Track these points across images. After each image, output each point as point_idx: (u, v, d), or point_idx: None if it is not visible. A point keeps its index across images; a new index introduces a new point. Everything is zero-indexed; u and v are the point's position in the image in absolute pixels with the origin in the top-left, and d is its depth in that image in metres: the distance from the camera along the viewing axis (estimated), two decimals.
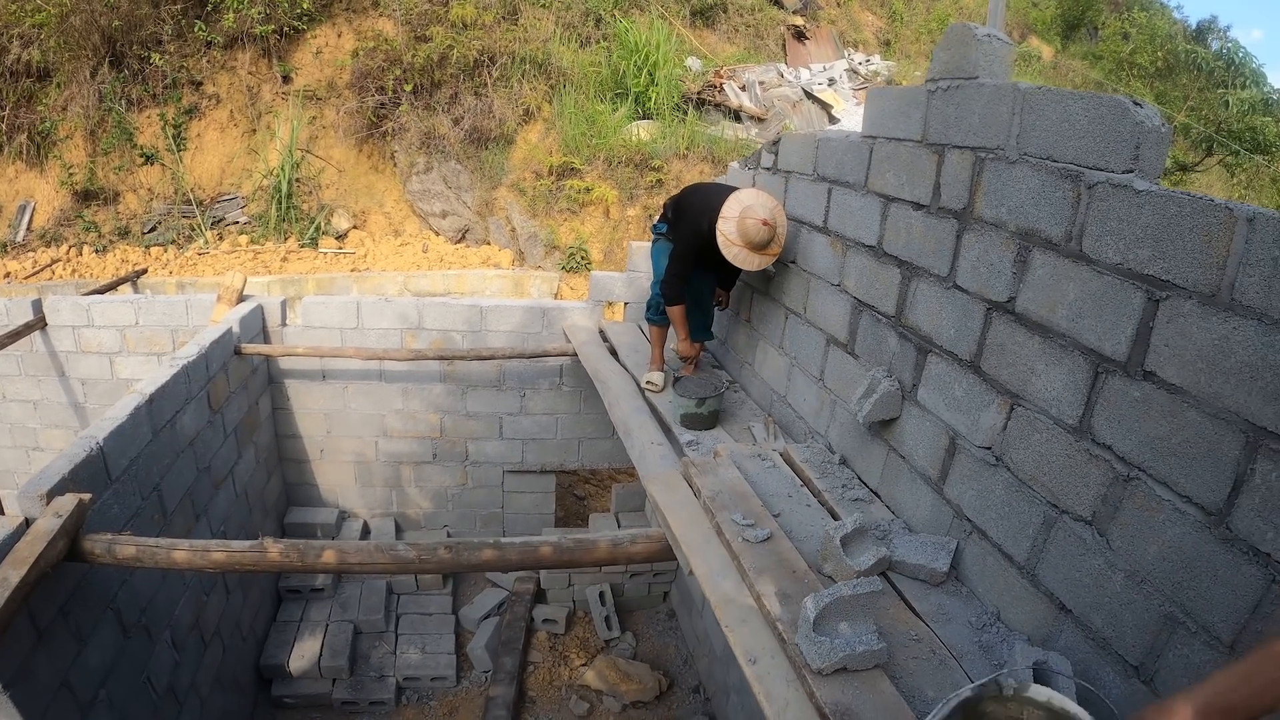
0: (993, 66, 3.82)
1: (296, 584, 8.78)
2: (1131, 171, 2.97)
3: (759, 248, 5.43)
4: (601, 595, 9.42)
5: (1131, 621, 2.90)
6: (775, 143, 6.10)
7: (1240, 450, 2.51)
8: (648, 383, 6.50)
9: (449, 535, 9.62)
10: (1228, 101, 22.44)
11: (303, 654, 8.12)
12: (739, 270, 6.17)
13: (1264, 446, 2.44)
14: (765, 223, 5.38)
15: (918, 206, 4.22)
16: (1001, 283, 3.60)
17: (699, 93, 14.90)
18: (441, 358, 8.32)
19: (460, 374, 8.91)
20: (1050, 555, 3.29)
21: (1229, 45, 27.43)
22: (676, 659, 9.15)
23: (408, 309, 8.58)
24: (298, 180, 13.48)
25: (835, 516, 4.31)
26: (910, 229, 4.29)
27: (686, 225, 5.87)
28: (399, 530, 9.54)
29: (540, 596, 9.58)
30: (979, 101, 3.75)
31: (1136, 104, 3.01)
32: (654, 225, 6.45)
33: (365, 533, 9.29)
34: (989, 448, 3.68)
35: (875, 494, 4.64)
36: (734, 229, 5.44)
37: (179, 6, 13.42)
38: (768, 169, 6.20)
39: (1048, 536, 3.30)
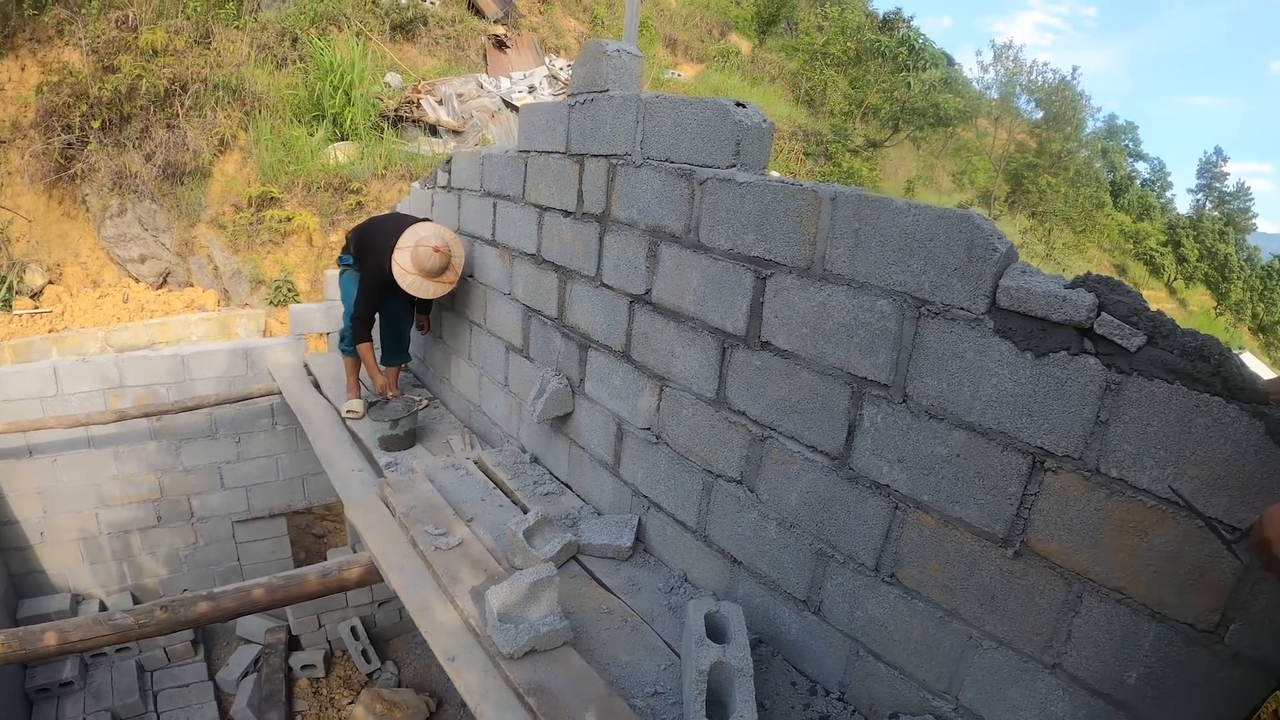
0: (622, 79, 3.89)
1: (43, 682, 7.82)
2: (735, 166, 3.09)
3: (433, 275, 5.36)
4: (354, 630, 8.97)
5: (791, 563, 3.04)
6: (449, 162, 6.03)
7: (849, 400, 2.67)
8: (348, 411, 6.26)
9: None
10: (909, 83, 24.22)
11: None
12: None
13: (868, 394, 2.60)
14: (437, 249, 5.31)
15: (566, 214, 4.25)
16: (639, 277, 3.68)
17: (396, 109, 14.20)
18: (146, 414, 7.66)
19: (171, 428, 8.25)
20: (715, 516, 3.40)
21: (911, 33, 29.58)
22: (441, 678, 8.76)
23: (107, 368, 7.89)
24: None
25: (527, 512, 4.28)
26: (562, 235, 4.31)
27: (370, 263, 5.66)
28: (136, 603, 8.55)
29: (294, 644, 8.99)
30: (610, 113, 3.80)
31: (739, 105, 3.13)
32: (339, 257, 6.22)
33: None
34: (649, 428, 3.76)
35: (566, 485, 4.65)
36: (408, 259, 5.33)
37: None
38: (444, 187, 6.11)
39: (710, 500, 3.41)
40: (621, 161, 3.73)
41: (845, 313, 2.64)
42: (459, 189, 5.77)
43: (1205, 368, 1.89)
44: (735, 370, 3.16)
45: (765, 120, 3.11)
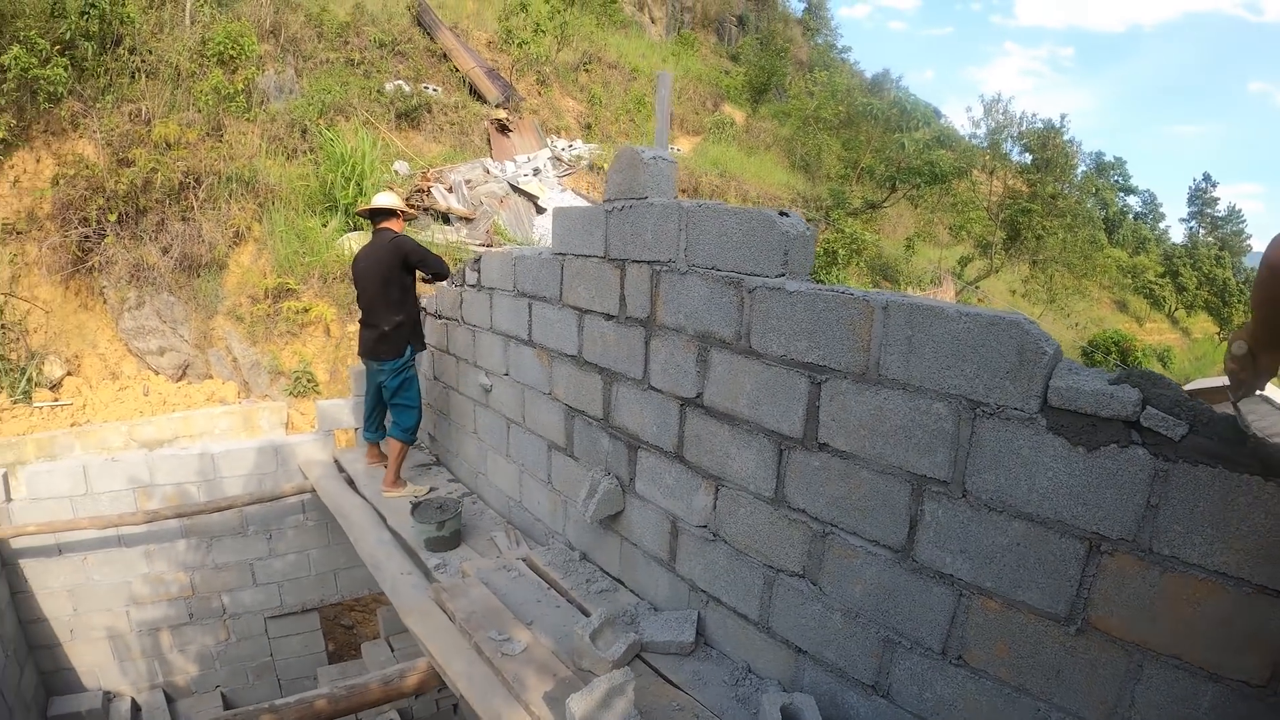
0: (660, 185, 4.10)
1: None
2: (783, 275, 3.30)
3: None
4: None
5: (857, 650, 3.19)
6: (477, 261, 6.23)
7: (909, 497, 2.85)
8: (414, 495, 6.64)
9: (222, 696, 8.95)
10: (903, 144, 24.62)
11: None
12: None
13: (928, 490, 2.78)
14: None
15: (609, 317, 4.44)
16: (689, 381, 3.87)
17: (407, 198, 14.24)
18: (179, 515, 7.83)
19: (202, 526, 8.37)
20: (777, 609, 3.54)
21: (900, 94, 30.12)
22: None
23: (138, 466, 8.03)
24: (2, 327, 11.47)
25: (585, 611, 4.41)
26: (605, 338, 4.51)
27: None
28: (170, 701, 8.74)
29: None
30: (650, 219, 4.02)
31: (783, 214, 3.35)
32: (399, 360, 6.66)
33: (135, 711, 8.43)
34: (705, 526, 3.92)
35: (619, 581, 4.76)
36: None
37: None
38: (473, 286, 6.31)
39: (772, 593, 3.56)
40: (665, 268, 3.94)
41: (902, 415, 2.83)
42: (490, 288, 5.98)
43: (1243, 451, 2.08)
44: (793, 470, 3.33)
45: (809, 228, 3.33)
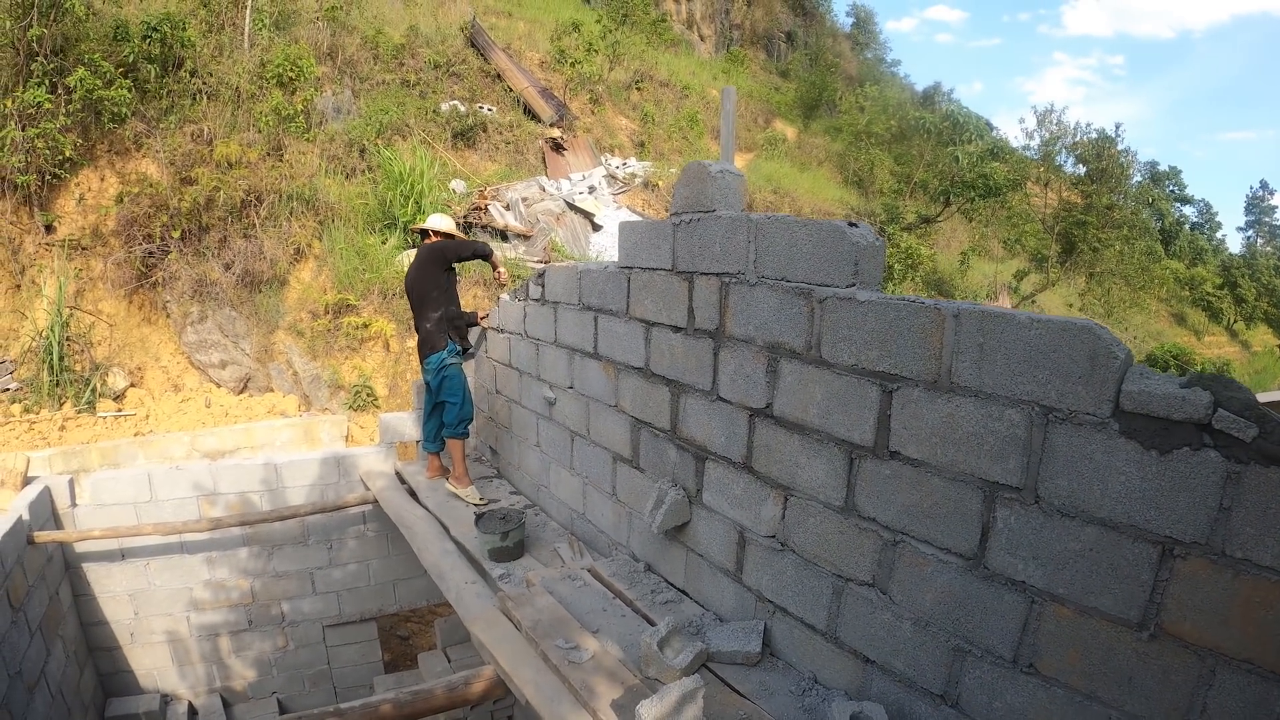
0: (728, 199, 4.19)
1: None
2: (854, 285, 3.39)
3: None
4: None
5: (927, 660, 3.24)
6: (541, 275, 6.34)
7: (981, 504, 2.91)
8: (478, 504, 6.82)
9: (278, 703, 9.14)
10: (957, 157, 24.56)
11: None
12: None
13: (1000, 497, 2.84)
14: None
15: (676, 329, 4.54)
16: (758, 391, 3.95)
17: (465, 216, 14.69)
18: (243, 523, 8.05)
19: (264, 535, 8.59)
20: (846, 618, 3.61)
21: (953, 107, 30.05)
22: None
23: (201, 475, 8.24)
24: (68, 339, 11.76)
25: (650, 621, 4.48)
26: (673, 350, 4.60)
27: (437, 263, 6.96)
28: (226, 706, 8.95)
29: None
30: (718, 232, 4.12)
31: (852, 225, 3.43)
32: (448, 348, 6.97)
33: (192, 715, 8.64)
34: (773, 536, 3.99)
35: (683, 592, 4.83)
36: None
37: None
38: (537, 300, 6.43)
39: (840, 603, 3.62)
40: (734, 280, 4.03)
41: (974, 422, 2.90)
42: (554, 302, 6.10)
43: None
44: (863, 479, 3.40)
45: (878, 239, 3.41)
